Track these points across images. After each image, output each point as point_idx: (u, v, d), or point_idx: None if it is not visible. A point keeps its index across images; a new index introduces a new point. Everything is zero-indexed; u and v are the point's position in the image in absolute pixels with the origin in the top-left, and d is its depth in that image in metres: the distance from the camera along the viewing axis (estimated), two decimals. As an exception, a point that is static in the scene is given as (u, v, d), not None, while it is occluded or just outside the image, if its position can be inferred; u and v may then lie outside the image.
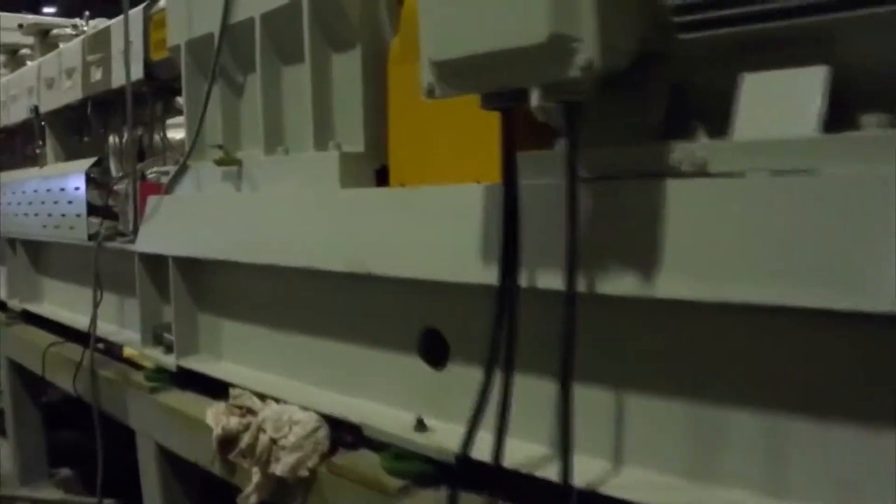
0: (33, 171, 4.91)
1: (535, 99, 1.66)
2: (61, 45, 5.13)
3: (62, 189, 4.16)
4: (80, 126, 5.00)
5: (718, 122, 1.68)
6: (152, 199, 3.32)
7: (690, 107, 1.77)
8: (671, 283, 1.58)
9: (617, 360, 1.79)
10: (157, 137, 4.26)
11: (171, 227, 3.19)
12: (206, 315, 3.16)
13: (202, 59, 3.12)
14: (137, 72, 3.83)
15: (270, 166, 2.74)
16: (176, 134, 4.34)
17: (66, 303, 4.82)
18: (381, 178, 2.51)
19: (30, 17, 6.84)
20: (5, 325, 5.19)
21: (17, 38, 7.06)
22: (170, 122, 4.40)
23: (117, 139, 4.56)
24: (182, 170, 3.23)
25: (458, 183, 2.09)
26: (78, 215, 3.95)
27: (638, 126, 1.77)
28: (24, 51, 6.66)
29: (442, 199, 2.05)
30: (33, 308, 5.06)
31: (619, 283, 1.65)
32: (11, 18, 7.70)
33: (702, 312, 1.61)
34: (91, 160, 4.02)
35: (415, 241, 2.09)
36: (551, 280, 1.72)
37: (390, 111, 2.40)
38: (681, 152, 1.67)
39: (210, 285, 3.13)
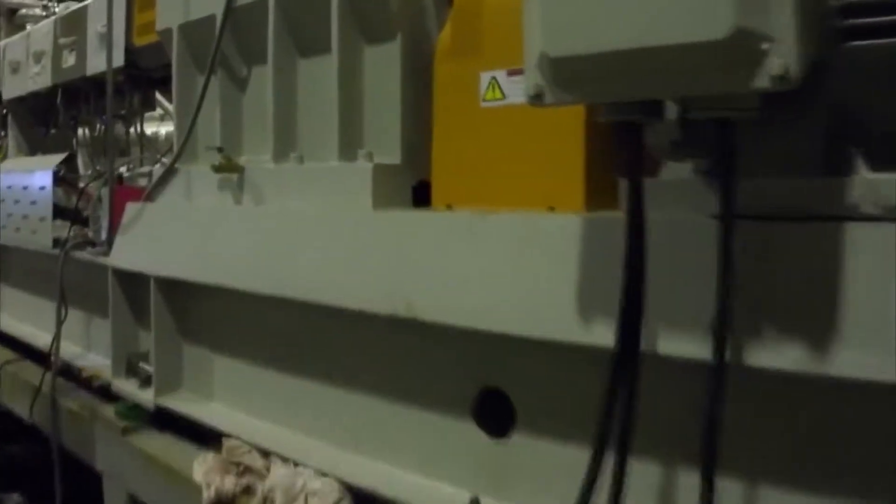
0: (-8, 164, 4.42)
1: (671, 112, 1.27)
2: (29, 27, 4.63)
3: (25, 187, 3.68)
4: (46, 117, 4.52)
5: (888, 151, 1.30)
6: (131, 207, 2.87)
7: (850, 132, 1.37)
8: (852, 359, 1.19)
9: (752, 444, 1.39)
10: (132, 133, 3.81)
11: (153, 241, 2.74)
12: (193, 346, 2.72)
13: (199, 47, 2.68)
14: (117, 59, 3.37)
15: (280, 176, 2.31)
16: (153, 129, 3.92)
17: (26, 315, 4.33)
18: (419, 196, 2.09)
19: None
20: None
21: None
22: (147, 115, 3.95)
23: (87, 133, 4.09)
24: (168, 174, 2.78)
25: (522, 208, 1.70)
26: (42, 219, 3.48)
27: (794, 154, 1.37)
28: (-12, 32, 6.14)
29: (517, 230, 1.64)
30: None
31: (780, 355, 1.27)
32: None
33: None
34: (60, 156, 3.55)
35: (477, 281, 1.68)
36: (682, 345, 1.33)
37: (435, 116, 1.98)
38: (861, 189, 1.28)
39: (199, 310, 2.69)
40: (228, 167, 2.39)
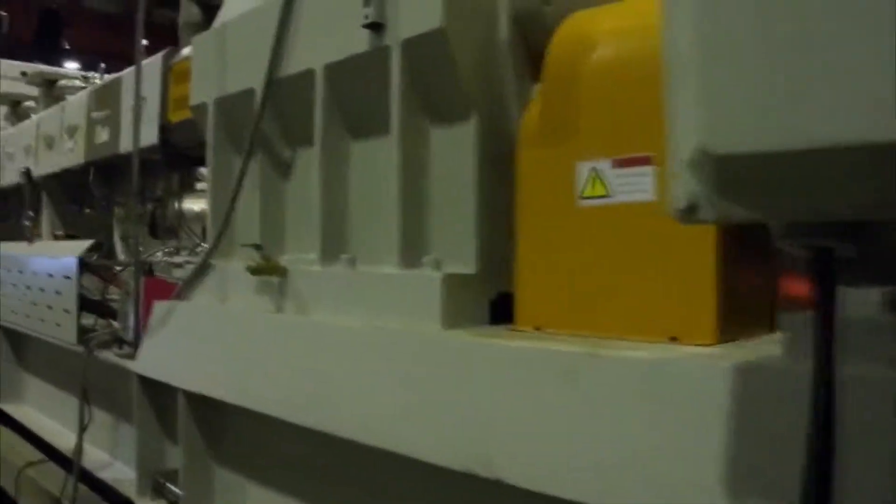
0: (21, 247, 4.13)
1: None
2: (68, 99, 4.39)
3: (50, 275, 3.37)
4: (81, 195, 4.24)
5: None
6: (160, 306, 2.53)
7: None
8: None
9: None
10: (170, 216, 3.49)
11: (183, 348, 2.39)
12: (226, 470, 2.35)
13: (236, 125, 2.35)
14: (150, 136, 3.07)
15: (328, 282, 1.94)
16: (195, 206, 3.60)
17: (51, 409, 4.01)
18: (499, 311, 1.72)
19: (35, 66, 6.13)
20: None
21: (22, 87, 6.41)
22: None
23: (122, 214, 3.80)
24: (202, 270, 2.43)
25: (632, 336, 1.38)
26: (66, 311, 3.15)
27: None
28: (29, 103, 5.93)
29: (637, 375, 1.24)
30: (13, 411, 4.24)
31: None
32: (15, 66, 7.04)
33: None
34: (86, 243, 3.23)
35: (581, 440, 1.28)
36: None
37: (519, 214, 1.62)
38: None
39: (233, 431, 2.33)
40: (267, 269, 2.03)
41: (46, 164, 4.26)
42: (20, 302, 3.75)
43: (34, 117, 4.78)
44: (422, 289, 1.69)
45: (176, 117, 3.04)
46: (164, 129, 3.08)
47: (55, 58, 11.58)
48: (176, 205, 3.63)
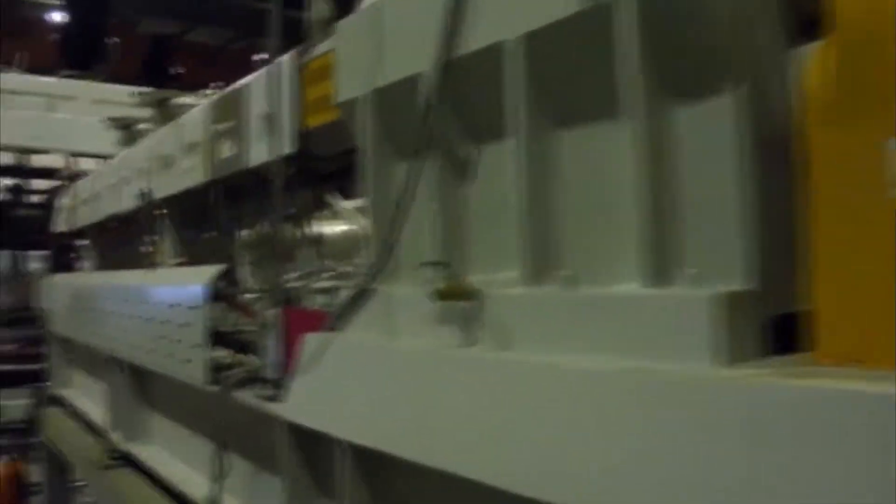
0: (140, 276, 3.87)
1: None
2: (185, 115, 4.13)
3: (175, 305, 3.07)
4: (202, 218, 3.96)
5: None
6: (311, 339, 2.18)
7: None
8: None
9: None
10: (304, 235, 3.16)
11: (344, 390, 2.03)
12: (400, 539, 1.97)
13: (397, 121, 1.99)
14: (285, 145, 2.75)
15: (538, 308, 1.54)
16: (330, 229, 3.27)
17: (179, 452, 3.72)
18: (781, 338, 1.30)
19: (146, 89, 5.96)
20: (101, 467, 4.12)
21: (134, 111, 6.28)
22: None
23: (249, 237, 3.49)
24: (361, 297, 2.06)
25: None
26: (195, 346, 2.84)
27: None
28: (142, 125, 5.75)
29: None
30: (138, 451, 3.97)
31: None
32: (123, 91, 6.94)
33: None
34: (212, 269, 2.92)
35: None
36: None
37: (813, 212, 1.19)
38: None
39: (410, 492, 1.94)
40: (456, 292, 1.65)
41: (164, 186, 4.00)
42: (142, 336, 3.47)
43: (149, 137, 4.56)
44: (681, 313, 1.28)
45: (314, 122, 2.71)
46: (301, 136, 2.75)
47: (163, 85, 11.60)
48: (311, 225, 3.30)
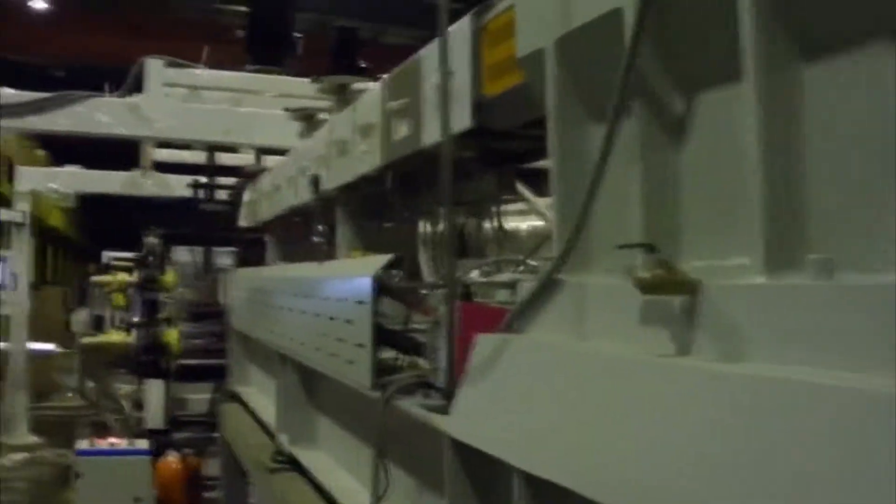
0: (310, 268, 3.67)
1: None
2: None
3: (341, 300, 2.82)
4: (379, 207, 3.74)
5: None
6: (484, 340, 1.85)
7: None
8: None
9: None
10: (487, 226, 2.86)
11: (520, 405, 1.69)
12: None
13: (590, 74, 1.63)
14: (462, 119, 2.45)
15: (782, 303, 1.15)
16: (520, 223, 2.97)
17: (344, 459, 3.49)
18: None
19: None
20: (268, 470, 3.96)
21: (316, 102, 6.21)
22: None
23: (429, 227, 3.21)
24: (545, 290, 1.72)
25: None
26: (360, 345, 2.57)
27: None
28: (322, 116, 5.63)
29: None
30: (303, 455, 3.78)
31: None
32: (306, 84, 6.89)
33: None
34: (382, 258, 2.64)
35: None
36: None
37: None
38: None
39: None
40: (666, 283, 1.27)
41: (339, 173, 3.80)
42: (308, 332, 3.26)
43: (326, 124, 4.38)
44: None
45: (494, 89, 2.40)
46: (479, 107, 2.44)
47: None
48: (494, 215, 3.00)
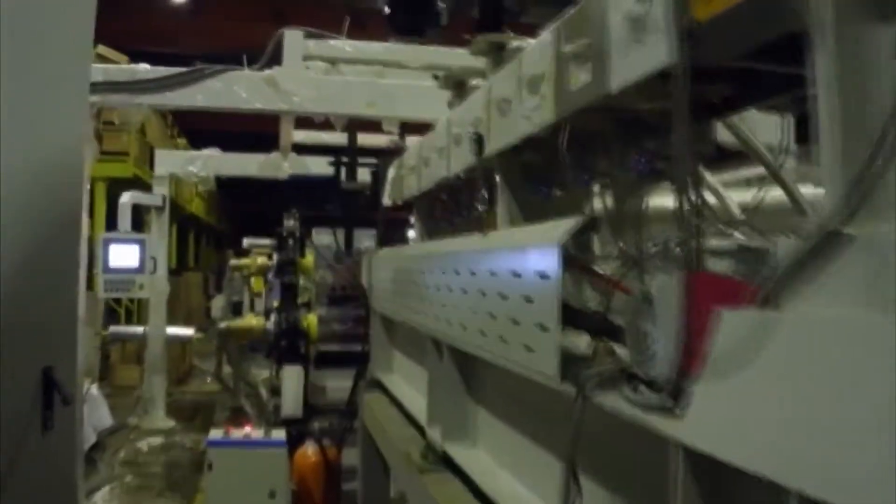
0: (472, 241, 3.29)
1: None
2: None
3: (516, 275, 2.42)
4: (548, 172, 3.33)
5: None
6: (732, 319, 1.42)
7: None
8: None
9: None
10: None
11: (796, 407, 1.25)
12: None
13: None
14: (660, 52, 2.03)
15: None
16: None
17: (508, 460, 3.10)
18: None
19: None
20: (416, 469, 3.62)
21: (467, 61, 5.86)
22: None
23: (611, 196, 2.78)
24: (819, 249, 1.28)
25: None
26: (543, 327, 2.16)
27: None
28: (476, 81, 5.25)
29: None
30: (460, 456, 3.41)
31: None
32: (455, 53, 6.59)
33: None
34: (568, 223, 2.22)
35: None
36: None
37: None
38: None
39: None
40: None
41: (501, 137, 3.39)
42: (473, 314, 2.87)
43: (483, 84, 3.99)
44: None
45: (707, 12, 1.96)
46: (688, 38, 2.01)
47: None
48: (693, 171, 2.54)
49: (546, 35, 2.96)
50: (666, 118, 2.52)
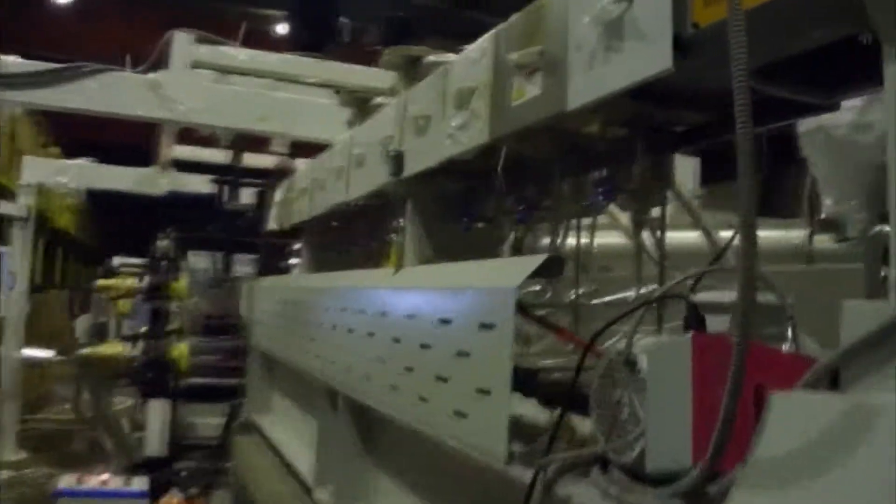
0: (379, 276, 2.86)
1: None
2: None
3: (444, 321, 2.00)
4: (472, 200, 2.94)
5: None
6: (783, 403, 1.04)
7: None
8: None
9: None
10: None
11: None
12: None
13: None
14: (657, 60, 1.68)
15: None
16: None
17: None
18: None
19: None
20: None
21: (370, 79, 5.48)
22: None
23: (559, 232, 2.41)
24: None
25: None
26: (483, 391, 1.75)
27: None
28: (378, 100, 4.84)
29: None
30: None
31: None
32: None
33: None
34: (528, 261, 1.81)
35: None
36: None
37: None
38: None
39: None
40: None
41: (417, 159, 2.99)
42: (381, 365, 2.44)
43: (398, 98, 3.58)
44: None
45: (708, 17, 1.62)
46: (683, 44, 1.66)
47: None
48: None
49: (482, 42, 2.58)
50: (628, 144, 2.19)
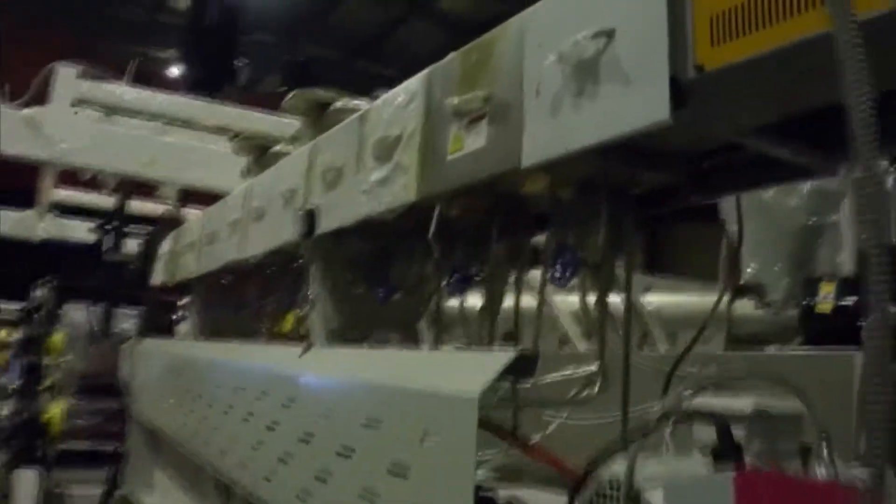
0: (286, 355, 2.45)
1: None
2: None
3: (373, 423, 1.60)
4: (388, 266, 2.57)
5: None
6: None
7: None
8: None
9: None
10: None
11: None
12: None
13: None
14: (654, 108, 1.34)
15: None
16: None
17: None
18: None
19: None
20: None
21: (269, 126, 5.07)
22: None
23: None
24: None
25: None
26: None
27: None
28: (278, 148, 4.44)
29: None
30: None
31: None
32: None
33: None
34: (496, 357, 1.42)
35: None
36: None
37: None
38: None
39: None
40: None
41: (327, 216, 2.60)
42: (285, 466, 2.01)
43: (306, 146, 3.20)
44: None
45: (718, 59, 1.30)
46: (682, 91, 1.33)
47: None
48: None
49: (411, 84, 2.22)
50: (590, 206, 1.86)
